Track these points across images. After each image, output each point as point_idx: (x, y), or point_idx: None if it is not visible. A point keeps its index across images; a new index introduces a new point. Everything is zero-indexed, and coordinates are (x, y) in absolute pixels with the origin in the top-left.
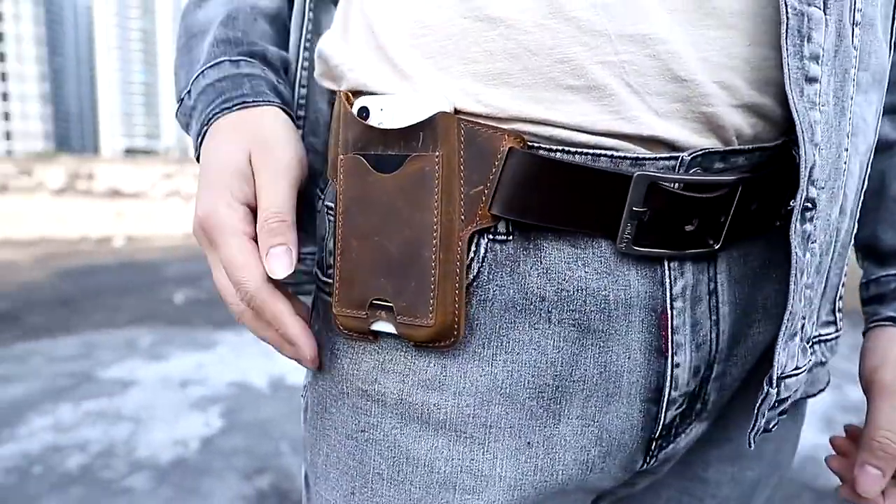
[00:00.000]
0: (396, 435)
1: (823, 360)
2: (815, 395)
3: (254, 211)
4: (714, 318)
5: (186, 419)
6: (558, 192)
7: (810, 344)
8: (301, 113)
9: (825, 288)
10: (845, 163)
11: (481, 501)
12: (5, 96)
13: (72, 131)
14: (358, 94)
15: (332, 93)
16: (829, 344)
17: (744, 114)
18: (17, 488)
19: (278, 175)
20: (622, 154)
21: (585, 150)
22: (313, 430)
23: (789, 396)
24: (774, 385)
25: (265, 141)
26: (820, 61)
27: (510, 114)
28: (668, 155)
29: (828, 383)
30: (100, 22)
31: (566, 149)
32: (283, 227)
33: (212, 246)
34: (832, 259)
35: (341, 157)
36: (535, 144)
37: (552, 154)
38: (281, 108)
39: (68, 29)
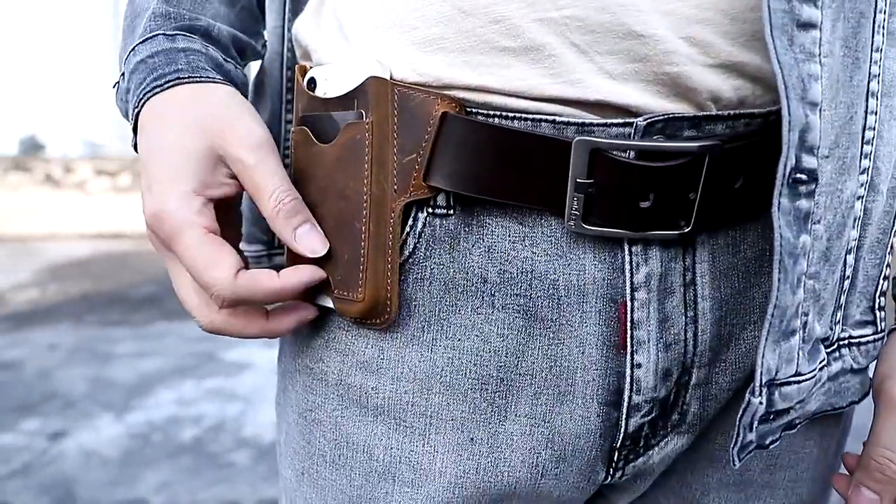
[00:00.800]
0: (338, 417)
1: (856, 366)
2: (844, 408)
3: (224, 201)
4: (691, 314)
5: None
6: (496, 162)
7: (834, 346)
8: (290, 97)
9: (853, 280)
10: (871, 128)
11: (420, 496)
12: None
13: None
14: None
15: None
16: (864, 348)
17: (723, 74)
18: (138, 452)
19: (266, 151)
20: (566, 119)
21: (525, 116)
22: (278, 409)
23: (790, 408)
24: (758, 393)
25: (230, 118)
26: (819, 3)
27: (444, 81)
28: (621, 121)
29: (866, 394)
30: None
31: (504, 114)
32: (300, 205)
33: (168, 249)
34: (861, 245)
35: (293, 129)
36: (473, 110)
37: (489, 120)
38: (232, 86)
39: None
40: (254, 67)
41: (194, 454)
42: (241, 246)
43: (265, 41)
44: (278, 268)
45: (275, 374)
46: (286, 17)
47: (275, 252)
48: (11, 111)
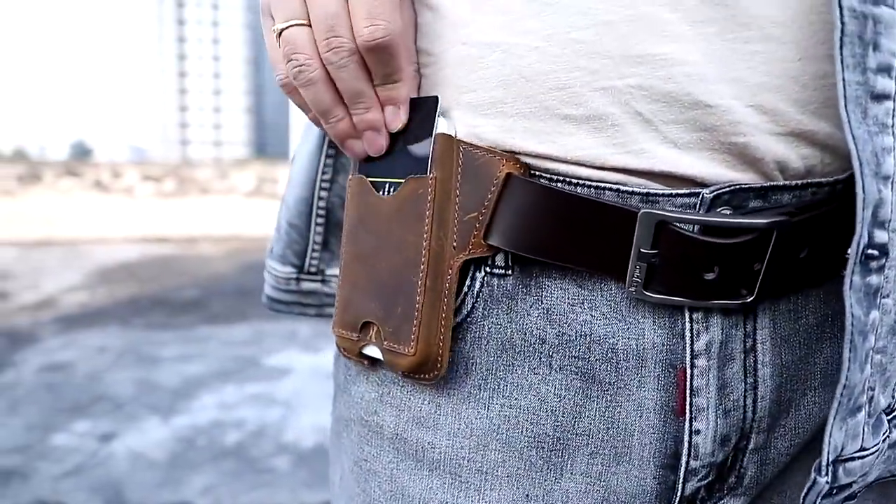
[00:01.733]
0: (393, 469)
1: None
2: None
3: None
4: (751, 381)
5: (329, 409)
6: (558, 226)
7: (894, 413)
8: (331, 151)
9: None
10: None
11: None
12: (218, 109)
13: (268, 139)
14: None
15: None
16: None
17: (791, 143)
18: (183, 456)
19: None
20: (630, 189)
21: (589, 184)
22: (333, 451)
23: (853, 482)
24: (825, 472)
25: None
26: (894, 73)
27: (505, 147)
28: (687, 191)
29: None
30: None
31: (568, 179)
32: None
33: None
34: None
35: (350, 177)
36: (536, 174)
37: (552, 184)
38: None
39: None
40: None
41: (237, 458)
42: (275, 266)
43: None
44: (306, 293)
45: (314, 379)
46: None
47: (303, 277)
48: (62, 117)
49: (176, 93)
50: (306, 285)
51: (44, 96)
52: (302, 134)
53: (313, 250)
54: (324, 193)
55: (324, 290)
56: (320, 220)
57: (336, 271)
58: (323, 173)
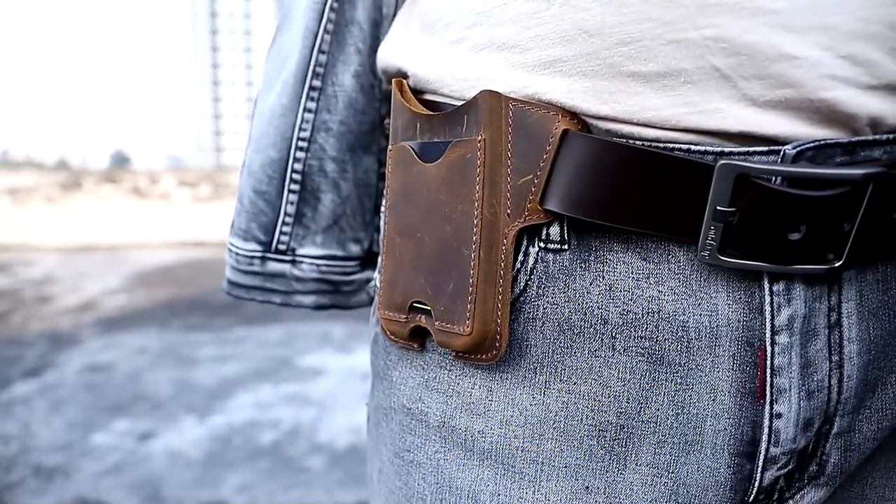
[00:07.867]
0: (440, 460)
1: None
2: None
3: None
4: (836, 358)
5: (364, 409)
6: (622, 184)
7: None
8: (316, 83)
9: None
10: None
11: None
12: (251, 116)
13: None
14: (418, 91)
15: (374, 76)
16: None
17: (886, 96)
18: (219, 454)
19: None
20: (703, 148)
21: (655, 146)
22: (371, 443)
23: None
24: None
25: None
26: None
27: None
28: (766, 149)
29: None
30: None
31: (633, 142)
32: None
33: None
34: None
35: (390, 147)
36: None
37: (615, 139)
38: None
39: None
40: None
41: (272, 458)
42: (237, 243)
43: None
44: (272, 276)
45: (348, 380)
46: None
47: (270, 256)
48: (101, 128)
49: (210, 101)
50: (272, 266)
51: (84, 109)
52: (263, 81)
53: (284, 223)
54: (300, 154)
55: (293, 272)
56: (294, 187)
57: (311, 251)
58: (301, 130)
